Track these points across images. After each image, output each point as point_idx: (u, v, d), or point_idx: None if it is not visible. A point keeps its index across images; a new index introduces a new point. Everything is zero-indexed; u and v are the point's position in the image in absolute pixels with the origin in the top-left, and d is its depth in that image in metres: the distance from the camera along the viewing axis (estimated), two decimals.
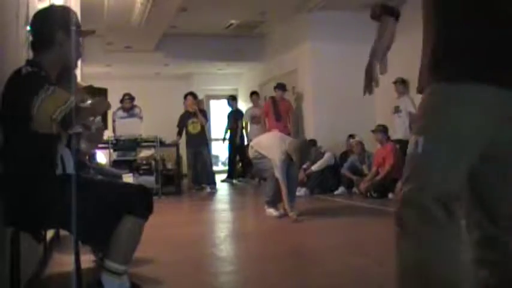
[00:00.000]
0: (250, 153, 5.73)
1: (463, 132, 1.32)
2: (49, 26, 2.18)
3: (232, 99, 10.51)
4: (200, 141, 8.72)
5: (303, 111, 9.36)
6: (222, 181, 10.02)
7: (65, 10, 2.32)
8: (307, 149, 5.64)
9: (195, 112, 8.69)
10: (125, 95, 8.42)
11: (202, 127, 8.75)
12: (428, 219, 1.30)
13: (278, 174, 5.26)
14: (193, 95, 8.87)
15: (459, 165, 1.34)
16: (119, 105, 8.41)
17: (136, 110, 8.39)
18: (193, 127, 8.73)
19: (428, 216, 1.30)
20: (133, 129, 8.01)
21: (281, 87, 8.96)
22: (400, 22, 1.60)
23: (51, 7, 2.40)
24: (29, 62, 2.17)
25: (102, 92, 6.26)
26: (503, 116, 1.33)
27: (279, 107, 8.89)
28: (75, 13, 2.31)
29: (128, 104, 8.38)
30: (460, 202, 1.36)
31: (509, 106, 1.32)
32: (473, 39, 1.33)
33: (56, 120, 1.98)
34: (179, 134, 8.80)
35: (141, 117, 8.33)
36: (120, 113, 8.31)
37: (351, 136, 7.99)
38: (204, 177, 8.80)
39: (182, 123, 8.81)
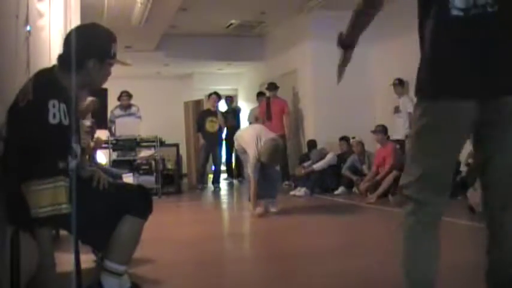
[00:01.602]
0: (236, 145, 5.79)
1: None
2: (84, 48, 2.05)
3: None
4: (215, 140, 8.88)
5: (302, 111, 9.36)
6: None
7: (108, 37, 2.15)
8: (276, 153, 5.39)
9: (216, 111, 8.95)
10: (122, 92, 8.35)
11: (220, 126, 8.97)
12: None
13: (249, 170, 5.30)
14: (217, 94, 9.12)
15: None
16: (117, 103, 8.38)
17: (134, 109, 8.35)
18: (211, 125, 8.90)
19: None
20: (131, 129, 8.00)
21: (271, 86, 9.04)
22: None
23: (95, 30, 2.17)
24: (56, 86, 2.02)
25: (102, 92, 6.28)
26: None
27: (270, 107, 8.95)
28: (116, 39, 2.15)
29: (126, 101, 8.33)
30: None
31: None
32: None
33: (34, 214, 1.89)
34: (199, 130, 9.05)
35: (139, 117, 8.32)
36: (118, 111, 8.28)
37: (344, 138, 7.98)
38: (206, 177, 8.93)
39: (201, 120, 8.96)
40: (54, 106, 1.93)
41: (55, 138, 1.95)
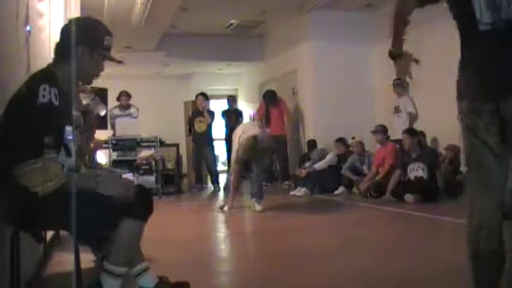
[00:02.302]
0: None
1: None
2: (76, 36, 2.09)
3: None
4: (204, 141, 8.85)
5: (302, 111, 9.36)
6: None
7: (101, 28, 2.19)
8: (251, 150, 5.52)
9: (203, 111, 8.90)
10: (121, 92, 8.37)
11: (208, 126, 8.88)
12: None
13: (232, 162, 5.51)
14: (204, 95, 9.05)
15: None
16: (116, 103, 8.40)
17: (133, 109, 8.38)
18: (199, 126, 8.92)
19: None
20: (132, 129, 8.01)
21: (267, 95, 9.06)
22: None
23: (90, 20, 2.25)
24: (47, 75, 2.07)
25: (102, 92, 6.29)
26: None
27: (270, 113, 8.98)
28: (111, 34, 2.20)
29: (125, 101, 8.35)
30: None
31: None
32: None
33: (36, 192, 1.90)
34: (190, 131, 9.05)
35: (135, 117, 8.35)
36: (117, 111, 8.30)
37: (340, 140, 7.97)
38: (204, 177, 8.92)
39: (191, 121, 8.99)
40: (45, 89, 1.95)
41: (43, 116, 1.95)
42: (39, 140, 1.93)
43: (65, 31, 2.16)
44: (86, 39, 2.12)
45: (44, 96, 1.95)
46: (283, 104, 9.08)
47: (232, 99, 10.56)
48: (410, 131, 6.36)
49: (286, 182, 8.75)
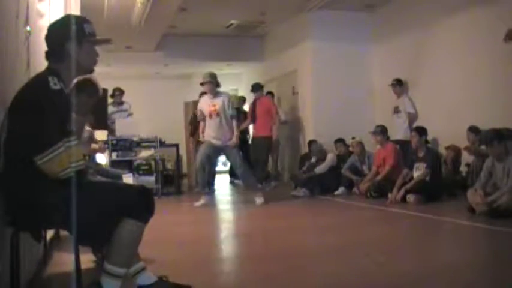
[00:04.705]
0: None
1: None
2: (58, 37, 2.16)
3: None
4: None
5: (302, 111, 9.36)
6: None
7: (76, 20, 2.23)
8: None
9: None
10: (114, 89, 8.54)
11: None
12: None
13: None
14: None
15: None
16: (110, 100, 8.52)
17: (126, 106, 8.58)
18: None
19: None
20: (131, 129, 8.02)
21: (254, 87, 8.98)
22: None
23: (63, 18, 2.31)
24: (51, 71, 2.12)
25: (102, 92, 6.28)
26: None
27: (256, 108, 8.91)
28: (89, 21, 2.24)
29: (119, 98, 8.55)
30: None
31: None
32: None
33: (60, 177, 1.95)
34: (192, 135, 8.86)
35: (131, 114, 8.52)
36: (111, 108, 8.39)
37: (340, 141, 7.96)
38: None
39: (195, 122, 8.87)
40: (53, 79, 2.04)
41: (58, 101, 2.01)
42: (58, 125, 1.97)
43: (48, 37, 2.20)
44: (68, 34, 2.15)
45: (55, 84, 2.02)
46: (270, 102, 8.96)
47: (243, 100, 10.52)
48: (419, 130, 6.31)
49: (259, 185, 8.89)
